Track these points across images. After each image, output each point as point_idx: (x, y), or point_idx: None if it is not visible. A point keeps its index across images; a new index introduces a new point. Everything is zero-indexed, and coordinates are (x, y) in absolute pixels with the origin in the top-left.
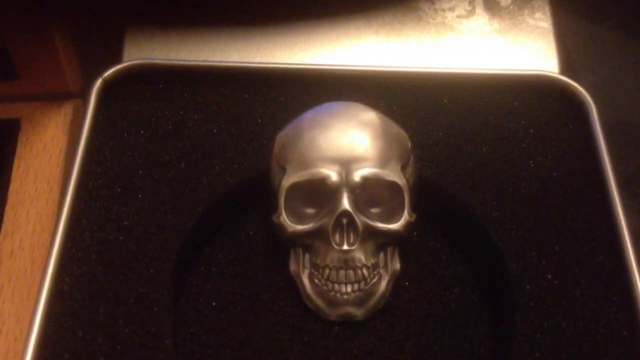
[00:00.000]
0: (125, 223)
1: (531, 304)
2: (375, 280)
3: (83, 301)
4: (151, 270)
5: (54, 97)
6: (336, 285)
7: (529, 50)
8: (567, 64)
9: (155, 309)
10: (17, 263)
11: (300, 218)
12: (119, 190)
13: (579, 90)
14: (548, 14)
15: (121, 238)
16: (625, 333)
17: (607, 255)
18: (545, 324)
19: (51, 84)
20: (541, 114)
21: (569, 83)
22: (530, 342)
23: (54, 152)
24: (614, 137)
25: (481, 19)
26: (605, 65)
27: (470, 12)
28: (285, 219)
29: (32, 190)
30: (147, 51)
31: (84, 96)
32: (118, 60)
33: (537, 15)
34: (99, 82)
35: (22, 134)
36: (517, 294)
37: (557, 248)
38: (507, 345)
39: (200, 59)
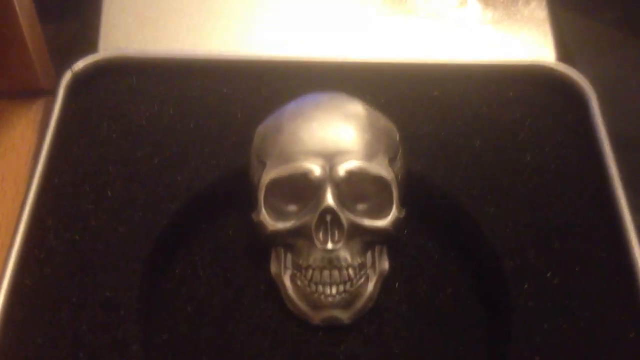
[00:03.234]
0: (93, 222)
1: (529, 304)
2: (362, 281)
3: (44, 306)
4: (119, 273)
5: (24, 94)
6: (320, 287)
7: (524, 41)
8: (565, 58)
9: (122, 312)
10: None
11: (281, 216)
12: (87, 188)
13: (578, 78)
14: (543, 3)
15: (88, 238)
16: (631, 335)
17: (610, 252)
18: (545, 325)
19: (21, 80)
20: (538, 105)
21: (567, 71)
22: (529, 345)
23: (22, 152)
24: (615, 131)
25: (474, 9)
26: (604, 60)
27: (463, 2)
28: (265, 216)
29: None
30: (122, 41)
31: (51, 87)
32: (93, 51)
33: (532, 5)
34: (68, 74)
35: None
36: (514, 294)
37: (556, 245)
38: (504, 349)
39: (177, 50)
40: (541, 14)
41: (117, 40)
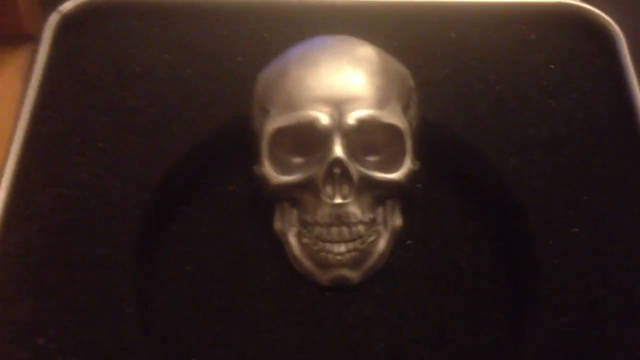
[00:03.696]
0: (84, 175)
1: (555, 261)
2: (372, 238)
3: (32, 266)
4: (112, 230)
5: (8, 39)
6: (328, 245)
7: None
8: None
9: (116, 273)
10: None
11: (286, 168)
12: (78, 138)
13: (606, 19)
14: None
15: (78, 193)
16: None
17: None
18: (573, 284)
19: (4, 25)
20: (562, 48)
21: (593, 11)
22: (556, 305)
23: (7, 100)
24: None
25: None
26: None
27: None
28: (269, 169)
29: None
30: None
31: (39, 33)
32: None
33: None
34: (55, 17)
35: None
36: (539, 251)
37: (584, 198)
38: (528, 310)
39: None
40: None
41: None
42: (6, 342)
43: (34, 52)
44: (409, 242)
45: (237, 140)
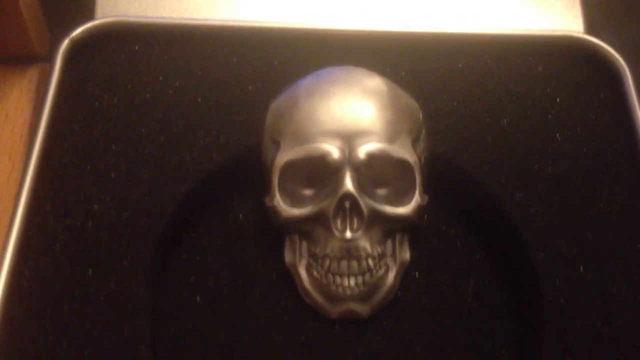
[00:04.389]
0: (96, 206)
1: (561, 300)
2: (381, 271)
3: (45, 300)
4: (125, 263)
5: (17, 60)
6: (338, 278)
7: (550, 8)
8: (590, 22)
9: (129, 307)
10: None
11: (296, 201)
12: (89, 168)
13: (611, 52)
14: None
15: (90, 224)
16: None
17: None
18: (578, 324)
19: (14, 46)
20: (569, 81)
21: (598, 45)
22: (561, 345)
23: (17, 123)
24: None
25: None
26: (632, 25)
27: None
28: (279, 201)
29: None
30: (122, 7)
31: (50, 59)
32: (90, 17)
33: None
34: (66, 42)
35: None
36: (545, 289)
37: (589, 236)
38: (534, 347)
39: (183, 17)
40: None
41: (115, 2)
42: None
43: (42, 72)
44: (416, 274)
45: (246, 170)
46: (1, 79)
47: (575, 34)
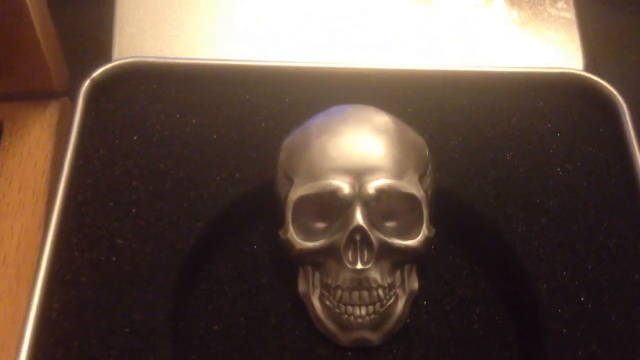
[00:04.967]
0: (119, 241)
1: (563, 330)
2: (391, 301)
3: (73, 330)
4: (148, 295)
5: (38, 97)
6: (349, 308)
7: (551, 43)
8: (590, 56)
9: (152, 337)
10: (1, 282)
11: (309, 234)
12: (111, 204)
13: (609, 89)
14: (571, 3)
15: (114, 258)
16: None
17: None
18: (580, 352)
19: (34, 83)
20: (569, 116)
21: (597, 82)
22: None
23: (39, 158)
24: None
25: (500, 9)
26: (630, 57)
27: (488, 2)
28: (293, 235)
29: (16, 200)
30: (138, 45)
31: (71, 98)
32: (107, 54)
33: (560, 4)
34: (87, 83)
35: (4, 138)
36: (547, 318)
37: (590, 267)
38: None
39: (198, 57)
40: (568, 13)
41: (131, 39)
42: None
43: (62, 108)
44: (424, 303)
45: (261, 204)
46: (22, 115)
47: (574, 72)
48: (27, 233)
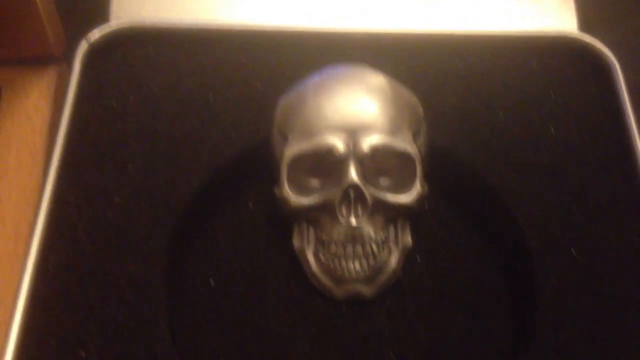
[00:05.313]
0: (116, 199)
1: (554, 282)
2: (385, 255)
3: (70, 283)
4: (144, 249)
5: (36, 62)
6: (343, 262)
7: (544, 4)
8: (583, 17)
9: (149, 291)
10: (0, 241)
11: (304, 191)
12: (108, 163)
13: (603, 49)
14: None
15: (111, 215)
16: None
17: (636, 229)
18: (570, 304)
19: (32, 47)
20: (562, 76)
21: (591, 42)
22: (554, 323)
23: (37, 121)
24: (638, 99)
25: None
26: (625, 23)
27: None
28: (288, 192)
29: (15, 162)
30: (135, 7)
31: (68, 61)
32: (104, 19)
33: None
34: (83, 45)
35: (3, 102)
36: (539, 271)
37: (581, 221)
38: (528, 326)
39: (194, 19)
40: None
41: (128, 2)
42: (49, 355)
43: (60, 73)
44: (418, 258)
45: (256, 163)
46: (20, 80)
47: (568, 32)
48: (25, 194)
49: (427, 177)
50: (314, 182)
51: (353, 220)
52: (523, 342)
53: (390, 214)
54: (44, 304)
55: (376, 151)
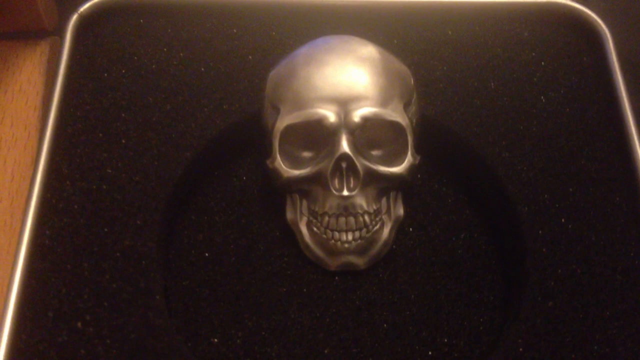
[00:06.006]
0: (109, 171)
1: (544, 249)
2: (377, 227)
3: (66, 256)
4: (138, 221)
5: (28, 35)
6: (336, 234)
7: None
8: None
9: (143, 262)
10: None
11: (296, 162)
12: (101, 135)
13: (594, 18)
14: None
15: (105, 187)
16: None
17: (624, 197)
18: (559, 270)
19: (25, 21)
20: (553, 45)
21: (582, 11)
22: (543, 290)
23: (30, 95)
24: (629, 69)
25: None
26: None
27: None
28: (280, 163)
29: (9, 136)
30: None
31: (61, 37)
32: None
33: None
34: (74, 17)
35: None
36: (529, 240)
37: (570, 190)
38: (518, 293)
39: None
40: None
41: None
42: (46, 326)
43: (52, 46)
44: (410, 229)
45: (248, 135)
46: (13, 54)
47: (560, 1)
48: (20, 167)
49: (419, 148)
50: (306, 154)
51: (345, 192)
52: (513, 310)
53: (383, 185)
54: (40, 276)
55: (367, 121)
